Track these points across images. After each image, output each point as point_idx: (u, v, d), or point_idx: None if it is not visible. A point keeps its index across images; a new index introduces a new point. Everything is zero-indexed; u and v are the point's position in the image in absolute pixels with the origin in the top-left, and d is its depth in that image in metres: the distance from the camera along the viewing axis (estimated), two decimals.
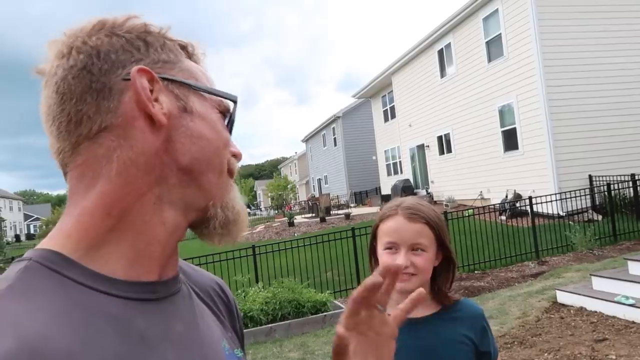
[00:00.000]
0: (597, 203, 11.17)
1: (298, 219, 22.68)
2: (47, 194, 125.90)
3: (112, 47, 0.56)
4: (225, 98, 0.64)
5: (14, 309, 0.45)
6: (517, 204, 11.38)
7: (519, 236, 9.10)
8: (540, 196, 9.92)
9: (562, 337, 4.59)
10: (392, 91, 21.43)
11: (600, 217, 10.55)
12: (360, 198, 28.86)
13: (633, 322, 4.63)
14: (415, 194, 18.54)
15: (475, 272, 8.31)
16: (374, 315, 0.64)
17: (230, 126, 0.65)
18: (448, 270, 1.27)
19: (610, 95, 12.21)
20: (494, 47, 14.02)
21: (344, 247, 8.58)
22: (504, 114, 13.83)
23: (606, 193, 10.08)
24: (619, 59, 12.41)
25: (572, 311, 5.30)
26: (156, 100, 0.56)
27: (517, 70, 12.89)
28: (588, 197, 10.75)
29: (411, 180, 19.97)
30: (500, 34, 13.57)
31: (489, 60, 14.22)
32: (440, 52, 16.97)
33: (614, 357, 3.93)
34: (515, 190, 13.00)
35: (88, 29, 0.57)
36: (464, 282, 7.55)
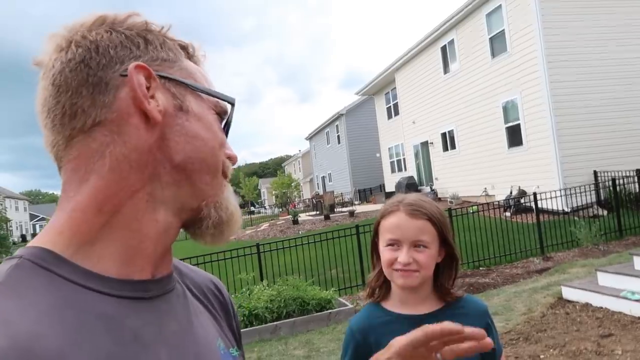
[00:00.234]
0: (602, 198, 11.11)
1: (302, 216, 22.69)
2: (53, 193, 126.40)
3: (112, 42, 0.56)
4: (223, 100, 0.63)
5: (4, 307, 0.45)
6: (522, 200, 11.35)
7: (524, 232, 9.07)
8: (545, 192, 9.89)
9: (567, 332, 4.58)
10: (395, 88, 21.38)
11: (605, 213, 10.49)
12: (364, 195, 28.84)
13: (639, 318, 4.60)
14: (419, 190, 18.50)
15: (480, 268, 8.29)
16: (427, 357, 0.65)
17: (226, 128, 0.65)
18: (451, 266, 1.26)
19: (615, 90, 12.15)
20: (497, 43, 13.96)
21: (348, 244, 8.57)
22: (508, 110, 13.77)
23: (611, 188, 10.03)
24: (623, 54, 12.34)
25: (577, 307, 5.28)
26: (152, 97, 0.55)
27: (521, 66, 12.83)
28: (593, 192, 10.70)
29: (415, 177, 19.94)
30: (503, 29, 13.50)
31: (493, 56, 14.16)
32: (444, 49, 16.90)
33: (619, 352, 3.91)
34: (519, 187, 12.95)
35: (89, 24, 0.57)
36: (468, 278, 7.54)
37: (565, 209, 10.34)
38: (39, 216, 72.00)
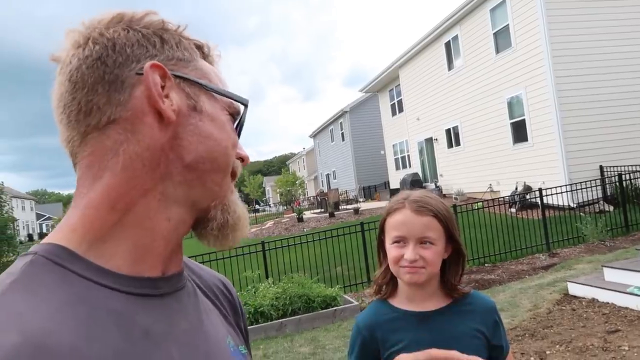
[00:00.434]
0: (609, 194, 11.05)
1: (307, 214, 22.72)
2: (59, 193, 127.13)
3: (128, 40, 0.56)
4: (237, 101, 0.64)
5: (18, 303, 0.45)
6: (527, 196, 11.30)
7: (530, 228, 9.04)
8: (551, 188, 9.84)
9: (573, 328, 4.57)
10: (399, 85, 21.33)
11: (611, 208, 10.44)
12: (369, 192, 28.82)
13: None
14: (424, 187, 18.45)
15: (486, 265, 8.28)
16: None
17: (239, 129, 0.65)
18: (458, 262, 1.25)
19: (620, 84, 12.07)
20: (501, 38, 13.89)
21: (353, 241, 8.57)
22: (513, 105, 13.71)
23: (617, 183, 9.99)
24: (628, 48, 12.25)
25: (583, 303, 5.26)
26: (167, 96, 0.56)
27: (526, 61, 12.76)
28: (599, 187, 10.64)
29: (420, 174, 19.90)
30: (507, 24, 13.43)
31: (497, 51, 14.09)
32: (447, 45, 16.84)
33: (626, 348, 3.90)
34: (525, 182, 12.90)
35: (106, 21, 0.57)
36: (474, 275, 7.52)
37: (571, 205, 10.30)
38: (45, 215, 72.39)
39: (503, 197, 11.11)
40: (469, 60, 15.56)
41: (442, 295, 1.25)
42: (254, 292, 6.56)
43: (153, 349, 0.52)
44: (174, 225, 0.57)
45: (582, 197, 10.20)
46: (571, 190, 10.07)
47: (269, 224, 22.34)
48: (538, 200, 9.53)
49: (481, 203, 9.82)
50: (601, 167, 11.78)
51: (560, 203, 9.94)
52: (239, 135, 0.65)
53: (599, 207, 10.56)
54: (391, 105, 23.28)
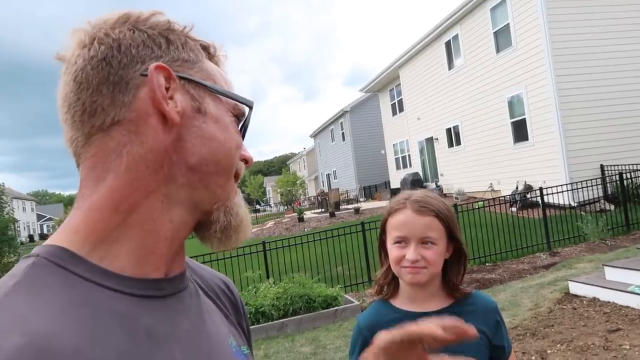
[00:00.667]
0: (609, 193, 11.04)
1: (308, 214, 22.71)
2: (59, 194, 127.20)
3: (134, 41, 0.56)
4: (241, 102, 0.63)
5: (21, 305, 0.45)
6: (528, 195, 11.29)
7: (530, 227, 9.04)
8: (552, 187, 9.84)
9: (575, 328, 4.56)
10: (399, 84, 21.32)
11: (612, 207, 10.43)
12: (369, 192, 28.81)
13: None
14: (424, 187, 18.45)
15: (487, 264, 8.28)
16: (416, 350, 0.64)
17: (243, 130, 0.65)
18: (459, 262, 1.25)
19: (621, 83, 12.06)
20: (502, 38, 13.88)
21: (353, 241, 8.57)
22: (514, 104, 13.70)
23: (618, 182, 9.98)
24: (629, 46, 12.24)
25: (584, 302, 5.26)
26: (171, 98, 0.56)
27: (526, 60, 12.75)
28: (600, 186, 10.63)
29: (420, 173, 19.90)
30: (508, 23, 13.42)
31: (498, 50, 14.08)
32: (448, 44, 16.83)
33: (627, 347, 3.89)
34: (525, 182, 12.90)
35: (112, 21, 0.57)
36: (475, 274, 7.52)
37: (572, 204, 10.29)
38: (46, 216, 72.43)
39: (504, 197, 11.11)
40: (470, 60, 15.55)
41: (443, 295, 1.24)
42: (255, 292, 6.56)
43: (156, 350, 0.52)
44: (177, 227, 0.57)
45: (583, 196, 10.19)
46: (572, 189, 10.06)
47: (270, 224, 22.34)
48: (539, 199, 9.53)
49: (482, 202, 9.82)
50: (602, 166, 11.77)
51: (561, 202, 9.93)
52: (243, 137, 0.65)
53: (600, 206, 10.55)
54: (391, 104, 23.27)
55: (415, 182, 18.47)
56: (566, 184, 10.17)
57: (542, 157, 12.54)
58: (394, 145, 23.69)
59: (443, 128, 17.79)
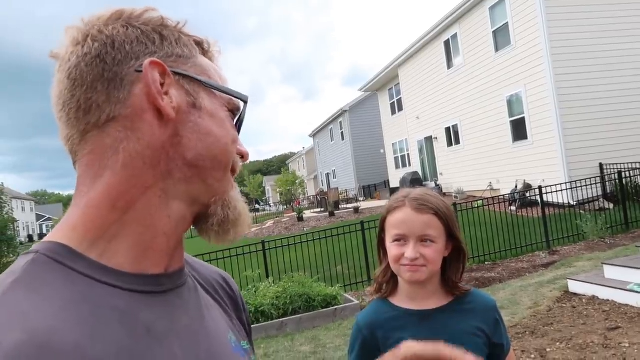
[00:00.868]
0: (608, 191, 11.05)
1: (307, 213, 22.72)
2: (59, 194, 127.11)
3: (128, 37, 0.56)
4: (236, 97, 0.63)
5: (21, 302, 0.45)
6: (527, 194, 11.30)
7: (530, 226, 9.04)
8: (551, 185, 9.84)
9: (574, 326, 4.57)
10: (398, 84, 21.31)
11: (611, 206, 10.44)
12: (369, 191, 28.82)
13: None
14: (424, 186, 18.46)
15: (486, 263, 8.28)
16: None
17: (239, 125, 0.65)
18: (458, 260, 1.25)
19: (620, 82, 12.06)
20: (501, 37, 13.88)
21: (353, 240, 8.57)
22: (513, 103, 13.71)
23: (617, 181, 9.98)
24: (628, 45, 12.25)
25: (584, 300, 5.27)
26: (166, 94, 0.56)
27: (525, 59, 12.75)
28: (599, 185, 10.64)
29: (420, 172, 19.90)
30: (507, 22, 13.42)
31: (497, 49, 14.08)
32: (447, 43, 16.83)
33: (627, 345, 3.90)
34: (525, 180, 12.90)
35: (105, 18, 0.57)
36: (474, 273, 7.53)
37: (571, 203, 10.30)
38: (45, 216, 72.37)
39: (503, 195, 11.11)
40: (469, 59, 15.55)
41: (443, 293, 1.24)
42: (255, 292, 6.56)
43: (156, 345, 0.52)
44: (175, 222, 0.57)
45: (582, 194, 10.20)
46: (571, 188, 10.06)
47: (269, 223, 22.34)
48: (538, 198, 9.54)
49: (481, 201, 9.81)
50: (601, 165, 11.78)
51: (560, 201, 9.94)
52: (238, 131, 0.65)
53: (599, 205, 10.56)
54: (391, 104, 23.27)
55: (415, 181, 18.47)
56: (565, 183, 10.18)
57: (541, 156, 12.55)
58: (393, 144, 23.68)
59: (442, 127, 17.79)
